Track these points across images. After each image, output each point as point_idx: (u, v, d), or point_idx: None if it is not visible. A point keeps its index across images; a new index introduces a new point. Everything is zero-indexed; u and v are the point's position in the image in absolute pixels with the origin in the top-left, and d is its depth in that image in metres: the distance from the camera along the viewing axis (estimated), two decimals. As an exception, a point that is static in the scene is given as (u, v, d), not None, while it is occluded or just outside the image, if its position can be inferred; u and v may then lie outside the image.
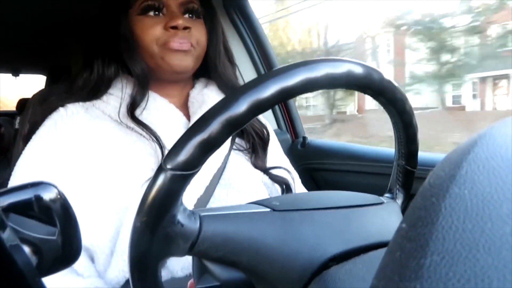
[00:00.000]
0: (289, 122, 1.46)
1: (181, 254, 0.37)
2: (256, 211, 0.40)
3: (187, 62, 0.70)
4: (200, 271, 0.39)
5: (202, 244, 0.37)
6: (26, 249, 0.29)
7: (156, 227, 0.35)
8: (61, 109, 0.69)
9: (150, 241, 0.35)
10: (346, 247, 0.39)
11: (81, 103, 0.70)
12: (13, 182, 0.64)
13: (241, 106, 0.33)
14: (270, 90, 0.33)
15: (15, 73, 3.32)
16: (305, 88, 0.35)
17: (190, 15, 0.72)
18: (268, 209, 0.40)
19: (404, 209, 0.51)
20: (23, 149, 0.67)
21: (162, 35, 0.68)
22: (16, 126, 2.93)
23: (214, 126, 0.33)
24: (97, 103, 0.70)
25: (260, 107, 0.33)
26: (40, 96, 1.03)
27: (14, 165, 0.67)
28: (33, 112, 0.71)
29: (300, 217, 0.40)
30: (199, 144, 0.33)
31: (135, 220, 0.35)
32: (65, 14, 1.64)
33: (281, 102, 0.36)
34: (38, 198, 0.30)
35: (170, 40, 0.68)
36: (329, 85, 0.37)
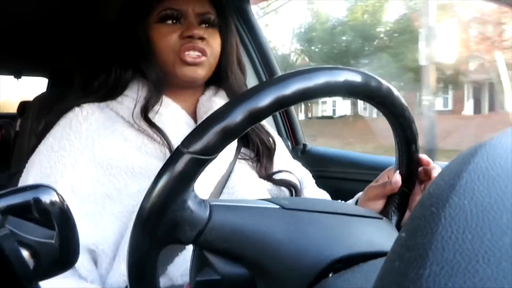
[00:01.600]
0: (289, 129, 1.46)
1: (186, 241, 0.37)
2: (266, 207, 0.40)
3: (198, 74, 0.71)
4: (201, 264, 0.38)
5: (210, 233, 0.36)
6: (24, 252, 0.29)
7: (166, 210, 0.34)
8: (76, 109, 0.70)
9: (157, 225, 0.35)
10: (353, 250, 0.39)
11: (96, 104, 0.71)
12: (26, 179, 0.65)
13: (264, 100, 0.34)
14: (292, 88, 0.35)
15: (17, 75, 3.34)
16: (325, 92, 0.36)
17: (206, 25, 0.74)
18: (277, 206, 0.40)
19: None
20: (36, 146, 0.69)
21: (177, 43, 0.70)
22: (17, 128, 2.93)
23: (237, 115, 0.34)
24: (111, 104, 0.71)
25: (282, 103, 0.35)
26: (41, 98, 1.03)
27: (14, 167, 0.67)
28: (38, 113, 0.72)
29: (308, 218, 0.40)
30: (221, 130, 0.34)
31: (143, 201, 0.35)
32: (67, 16, 1.65)
33: (304, 101, 0.37)
34: (37, 201, 0.30)
35: (184, 49, 0.69)
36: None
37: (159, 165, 0.66)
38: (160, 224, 0.35)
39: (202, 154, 0.34)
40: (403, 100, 0.44)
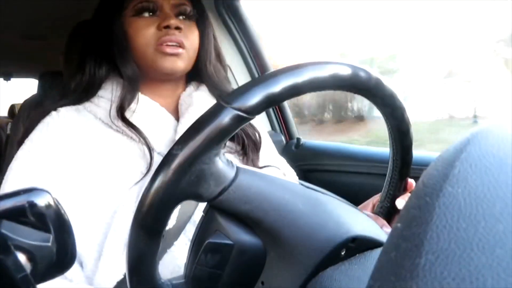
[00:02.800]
0: (282, 124, 1.46)
1: (208, 197, 0.37)
2: (288, 180, 0.40)
3: (178, 65, 0.70)
4: (212, 227, 0.38)
5: (233, 192, 0.37)
6: (20, 256, 0.29)
7: (195, 159, 0.34)
8: (53, 113, 0.69)
9: (183, 173, 0.34)
10: (367, 233, 0.39)
11: (73, 107, 0.70)
12: (5, 186, 0.64)
13: (303, 77, 0.36)
14: (327, 71, 0.37)
15: (6, 77, 3.30)
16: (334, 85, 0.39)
17: (183, 17, 0.73)
18: (297, 182, 0.41)
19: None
20: (15, 153, 0.67)
21: (155, 35, 0.69)
22: (8, 131, 2.90)
23: (282, 84, 0.35)
24: (88, 105, 0.70)
25: (318, 85, 0.37)
26: (31, 101, 1.02)
27: (6, 170, 0.66)
28: (28, 116, 0.71)
29: (326, 198, 0.41)
30: (266, 93, 0.35)
31: (172, 148, 0.35)
32: (56, 17, 1.64)
33: (335, 90, 0.40)
34: (32, 205, 0.30)
35: (162, 41, 0.68)
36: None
37: (139, 164, 0.67)
38: (186, 173, 0.34)
39: (245, 112, 0.34)
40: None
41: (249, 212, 0.37)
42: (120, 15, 0.71)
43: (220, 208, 0.38)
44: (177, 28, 0.69)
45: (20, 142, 0.68)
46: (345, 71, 0.38)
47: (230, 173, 0.37)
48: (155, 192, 0.35)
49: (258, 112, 0.35)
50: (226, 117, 0.34)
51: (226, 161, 0.37)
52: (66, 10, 1.50)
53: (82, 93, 0.71)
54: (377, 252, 0.39)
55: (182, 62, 0.71)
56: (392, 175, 0.52)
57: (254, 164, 0.76)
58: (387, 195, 0.54)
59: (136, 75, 0.70)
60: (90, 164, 0.64)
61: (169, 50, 0.68)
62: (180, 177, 0.34)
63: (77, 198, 0.62)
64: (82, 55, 0.74)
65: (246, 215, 0.37)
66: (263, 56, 1.39)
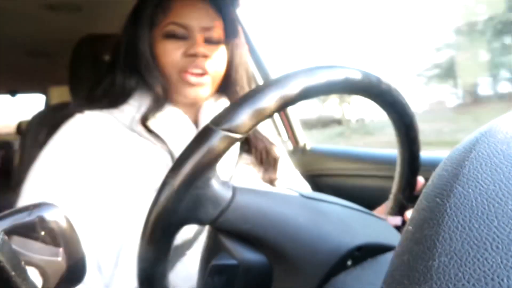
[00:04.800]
0: (289, 130, 1.46)
1: (207, 220, 0.36)
2: (287, 193, 0.40)
3: (201, 94, 0.71)
4: (216, 248, 0.38)
5: (232, 213, 0.36)
6: (31, 271, 0.29)
7: (190, 185, 0.34)
8: (78, 115, 0.70)
9: (179, 200, 0.34)
10: (372, 240, 0.39)
11: (98, 111, 0.71)
12: (28, 186, 0.65)
13: (294, 89, 0.35)
14: (318, 77, 0.37)
15: (12, 93, 3.34)
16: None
17: (211, 42, 0.72)
18: (297, 194, 0.40)
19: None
20: (27, 168, 0.67)
21: (180, 61, 0.69)
22: (16, 147, 2.92)
23: (270, 99, 0.35)
24: (113, 111, 0.71)
25: (309, 93, 0.36)
26: (40, 116, 1.03)
27: (16, 187, 0.67)
28: (53, 118, 0.72)
29: (327, 207, 0.40)
30: (254, 110, 0.34)
31: (167, 176, 0.34)
32: (60, 33, 1.66)
33: (329, 94, 0.40)
34: (41, 219, 0.30)
35: (187, 68, 0.68)
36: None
37: (161, 171, 0.66)
38: (183, 200, 0.34)
39: (235, 132, 0.34)
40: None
41: (250, 231, 0.37)
42: (150, 34, 0.71)
43: (222, 229, 0.37)
44: (204, 56, 0.69)
45: (44, 143, 0.68)
46: (336, 75, 0.37)
47: (227, 195, 0.37)
48: (155, 220, 0.35)
49: (249, 130, 0.35)
50: (216, 140, 0.34)
51: (221, 183, 0.37)
52: (70, 26, 1.52)
53: (110, 101, 0.71)
54: (389, 256, 0.38)
55: (205, 91, 0.71)
56: (402, 162, 0.52)
57: (271, 177, 0.77)
58: (399, 185, 0.54)
59: (166, 92, 0.70)
60: (112, 166, 0.65)
61: (193, 80, 0.69)
62: (176, 204, 0.34)
63: (98, 203, 0.63)
64: (111, 66, 0.75)
65: (248, 234, 0.37)
66: (261, 64, 1.39)
